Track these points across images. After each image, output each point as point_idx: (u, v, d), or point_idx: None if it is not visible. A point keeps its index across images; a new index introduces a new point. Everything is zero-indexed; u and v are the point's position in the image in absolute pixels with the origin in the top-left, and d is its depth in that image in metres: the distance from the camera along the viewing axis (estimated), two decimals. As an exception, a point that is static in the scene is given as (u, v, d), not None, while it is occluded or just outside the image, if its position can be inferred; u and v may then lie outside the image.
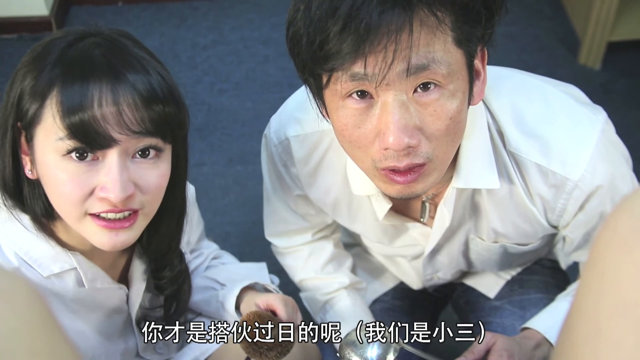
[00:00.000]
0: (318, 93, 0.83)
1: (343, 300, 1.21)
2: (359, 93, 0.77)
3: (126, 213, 0.83)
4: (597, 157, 0.90)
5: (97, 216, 0.82)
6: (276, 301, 1.04)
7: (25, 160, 0.84)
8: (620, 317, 0.41)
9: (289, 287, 1.35)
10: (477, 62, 0.82)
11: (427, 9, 0.72)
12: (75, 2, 2.67)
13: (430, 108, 0.77)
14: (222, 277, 1.14)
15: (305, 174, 1.03)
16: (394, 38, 0.71)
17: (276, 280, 1.21)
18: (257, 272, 1.20)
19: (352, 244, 1.34)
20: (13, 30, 2.53)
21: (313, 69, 0.77)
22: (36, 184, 0.85)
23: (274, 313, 1.04)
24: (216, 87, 2.37)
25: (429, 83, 0.75)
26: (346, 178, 1.00)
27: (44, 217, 0.86)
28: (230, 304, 1.08)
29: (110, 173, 0.80)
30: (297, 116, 1.01)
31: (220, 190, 2.06)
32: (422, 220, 1.03)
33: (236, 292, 1.08)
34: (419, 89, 0.76)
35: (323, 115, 0.87)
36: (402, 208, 1.02)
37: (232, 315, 1.09)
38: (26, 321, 0.45)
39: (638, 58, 2.41)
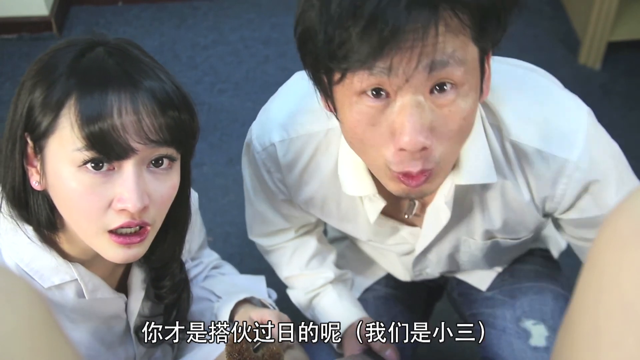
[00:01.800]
0: (328, 89, 0.82)
1: (329, 294, 1.21)
2: (374, 92, 0.76)
3: (137, 227, 0.83)
4: (591, 136, 0.91)
5: (114, 233, 0.82)
6: (271, 317, 1.04)
7: (32, 172, 0.83)
8: (620, 316, 0.41)
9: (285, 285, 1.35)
10: (485, 60, 0.82)
11: (451, 11, 0.72)
12: (75, 2, 2.67)
13: (446, 109, 0.77)
14: (218, 289, 1.13)
15: (291, 179, 1.02)
16: (420, 39, 0.70)
17: (273, 294, 1.21)
18: (256, 285, 1.19)
19: (341, 237, 1.34)
20: (13, 30, 2.53)
21: (329, 66, 0.76)
22: (41, 195, 0.84)
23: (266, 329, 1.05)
24: (216, 87, 2.37)
25: (445, 83, 0.75)
26: (335, 179, 1.00)
27: (47, 228, 0.86)
28: (224, 317, 1.07)
29: (127, 183, 0.79)
30: (280, 121, 1.00)
31: (220, 190, 2.06)
32: (406, 217, 1.03)
33: (231, 305, 1.07)
34: (435, 90, 0.76)
35: (330, 111, 0.85)
36: (390, 207, 1.02)
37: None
38: (26, 321, 0.45)
39: (638, 58, 2.41)
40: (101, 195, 0.80)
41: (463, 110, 0.77)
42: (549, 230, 1.30)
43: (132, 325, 1.01)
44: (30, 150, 0.82)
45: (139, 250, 0.85)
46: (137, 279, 0.99)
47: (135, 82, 0.79)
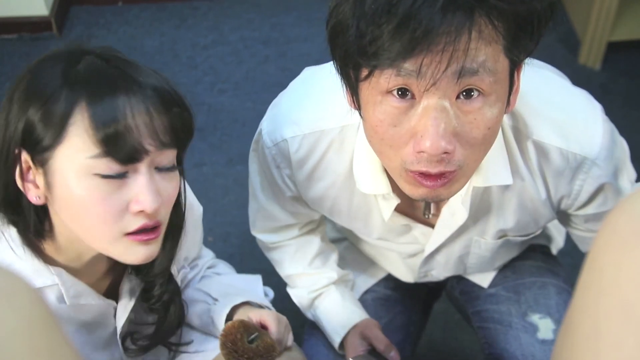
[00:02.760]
0: (354, 85, 0.81)
1: (332, 295, 1.21)
2: (400, 92, 0.75)
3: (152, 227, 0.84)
4: (606, 132, 0.92)
5: (133, 233, 0.82)
6: (269, 317, 1.04)
7: (29, 187, 0.83)
8: (620, 317, 0.41)
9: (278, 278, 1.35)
10: (515, 73, 0.81)
11: (487, 18, 0.71)
12: (75, 2, 2.67)
13: (471, 116, 0.76)
14: (215, 291, 1.12)
15: (301, 175, 1.02)
16: (452, 42, 0.70)
17: (270, 293, 1.20)
18: (252, 285, 1.18)
19: (340, 238, 1.34)
20: (13, 30, 2.53)
21: (358, 61, 0.75)
22: (33, 207, 0.84)
23: (265, 329, 1.04)
24: (216, 87, 2.37)
25: (472, 90, 0.75)
26: (348, 177, 1.00)
27: (35, 236, 0.86)
28: (221, 321, 1.07)
29: (141, 184, 0.80)
30: (292, 117, 0.99)
31: (220, 190, 2.06)
32: (425, 217, 1.03)
33: (227, 309, 1.07)
34: (461, 96, 0.75)
35: (355, 107, 0.85)
36: (404, 205, 1.02)
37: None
38: (26, 321, 0.45)
39: (638, 58, 2.41)
40: (117, 200, 0.80)
41: (489, 120, 0.77)
42: (549, 228, 1.31)
43: (119, 331, 1.00)
44: (25, 165, 0.82)
45: (155, 247, 0.85)
46: (127, 287, 0.98)
47: (140, 83, 0.80)
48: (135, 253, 0.84)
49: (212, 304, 1.10)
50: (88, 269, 0.91)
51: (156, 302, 0.99)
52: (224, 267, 1.23)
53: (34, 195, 0.83)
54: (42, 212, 0.85)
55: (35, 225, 0.85)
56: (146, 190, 0.80)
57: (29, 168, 0.82)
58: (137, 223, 0.82)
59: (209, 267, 1.21)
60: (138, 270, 0.97)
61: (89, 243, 0.85)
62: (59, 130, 0.78)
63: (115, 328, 1.00)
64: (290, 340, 1.10)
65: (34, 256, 0.86)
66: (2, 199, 0.84)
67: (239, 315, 1.08)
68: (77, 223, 0.83)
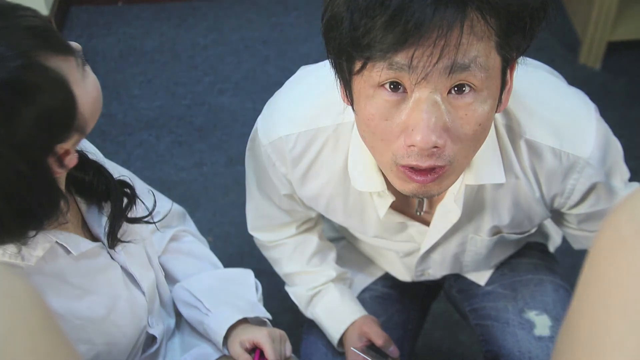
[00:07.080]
0: (348, 78, 0.82)
1: (331, 292, 1.21)
2: (392, 86, 0.76)
3: None
4: (600, 132, 0.93)
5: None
6: (262, 339, 1.04)
7: (69, 160, 0.81)
8: (620, 317, 0.41)
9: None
10: (508, 71, 0.81)
11: (479, 13, 0.72)
12: (75, 2, 2.67)
13: (462, 111, 0.76)
14: (205, 297, 1.11)
15: (296, 173, 1.02)
16: (444, 36, 0.70)
17: (259, 287, 1.20)
18: (243, 284, 1.18)
19: (338, 237, 1.34)
20: (13, 30, 2.53)
21: (351, 54, 0.76)
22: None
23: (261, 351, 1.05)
24: (216, 87, 2.37)
25: (464, 85, 0.75)
26: (343, 175, 1.00)
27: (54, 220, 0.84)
28: (218, 341, 1.08)
29: None
30: (287, 115, 1.00)
31: (220, 190, 2.06)
32: (417, 214, 1.03)
33: (223, 332, 1.08)
34: (453, 91, 0.75)
35: (348, 103, 0.86)
36: (399, 202, 1.02)
37: (221, 350, 1.10)
38: (26, 321, 0.45)
39: (638, 58, 2.41)
40: None
41: (480, 116, 0.77)
42: (546, 226, 1.31)
43: (120, 264, 0.98)
44: (61, 152, 0.80)
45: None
46: (96, 223, 0.96)
47: None
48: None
49: (205, 313, 1.10)
50: (68, 224, 0.90)
51: (89, 183, 0.95)
52: (193, 243, 1.20)
53: (73, 161, 0.82)
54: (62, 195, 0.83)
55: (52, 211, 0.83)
56: None
57: (66, 152, 0.81)
58: None
59: (172, 240, 1.18)
60: (80, 190, 0.95)
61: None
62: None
63: (122, 269, 0.98)
64: (288, 350, 1.10)
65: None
66: (52, 213, 0.83)
67: (233, 339, 1.08)
68: None
